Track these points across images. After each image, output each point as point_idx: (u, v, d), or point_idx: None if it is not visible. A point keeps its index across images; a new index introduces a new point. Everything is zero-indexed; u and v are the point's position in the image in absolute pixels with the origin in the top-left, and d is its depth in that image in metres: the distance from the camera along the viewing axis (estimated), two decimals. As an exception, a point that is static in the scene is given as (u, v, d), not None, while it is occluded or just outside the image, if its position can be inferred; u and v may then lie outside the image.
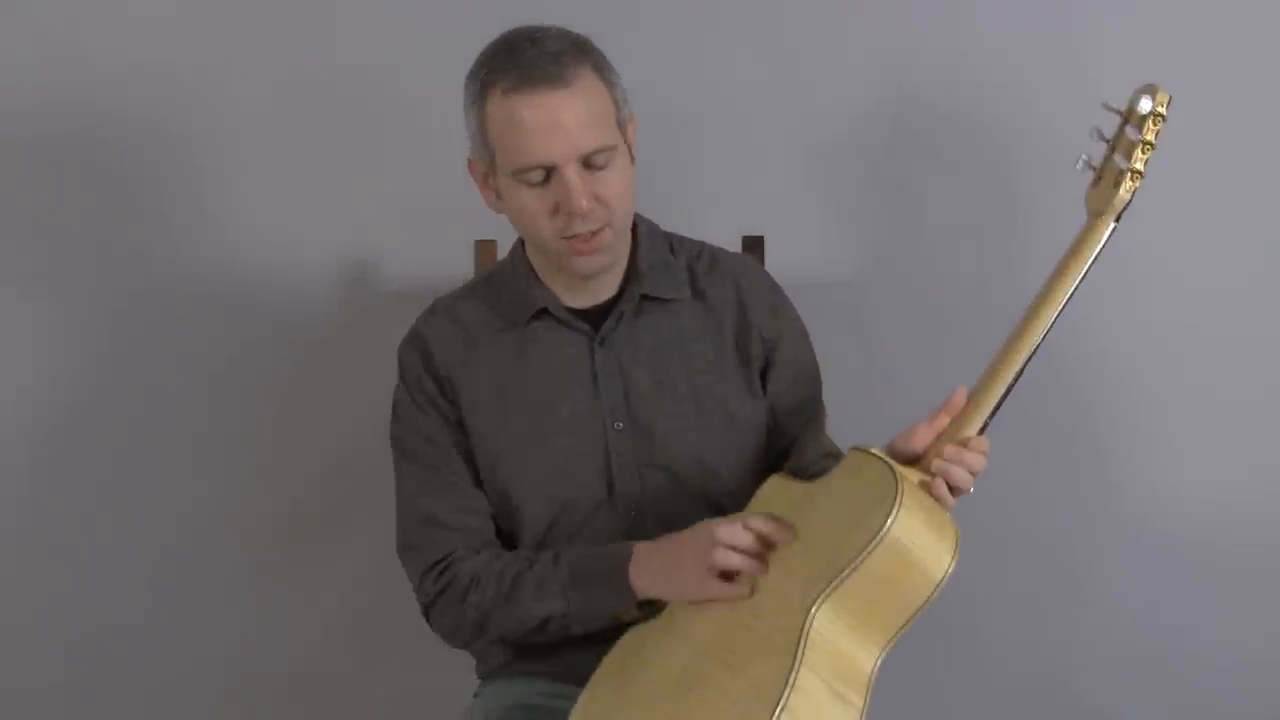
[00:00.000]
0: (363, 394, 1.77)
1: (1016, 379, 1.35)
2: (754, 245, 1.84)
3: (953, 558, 1.27)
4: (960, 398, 1.37)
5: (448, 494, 1.54)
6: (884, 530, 1.23)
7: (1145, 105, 1.35)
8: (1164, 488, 2.08)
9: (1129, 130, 1.37)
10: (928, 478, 1.33)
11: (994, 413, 1.35)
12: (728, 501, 1.53)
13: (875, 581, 1.25)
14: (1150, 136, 1.35)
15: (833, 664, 1.25)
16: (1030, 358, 1.35)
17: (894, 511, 1.23)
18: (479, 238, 1.83)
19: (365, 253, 2.06)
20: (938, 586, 1.27)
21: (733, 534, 1.34)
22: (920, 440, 1.36)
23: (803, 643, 1.23)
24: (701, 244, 1.61)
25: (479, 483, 1.55)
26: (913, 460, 1.35)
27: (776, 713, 1.21)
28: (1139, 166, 1.35)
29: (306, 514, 2.11)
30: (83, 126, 2.01)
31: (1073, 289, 1.36)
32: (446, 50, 1.90)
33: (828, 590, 1.25)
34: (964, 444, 1.34)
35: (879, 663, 1.28)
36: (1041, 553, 2.10)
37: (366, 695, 2.11)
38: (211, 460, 2.09)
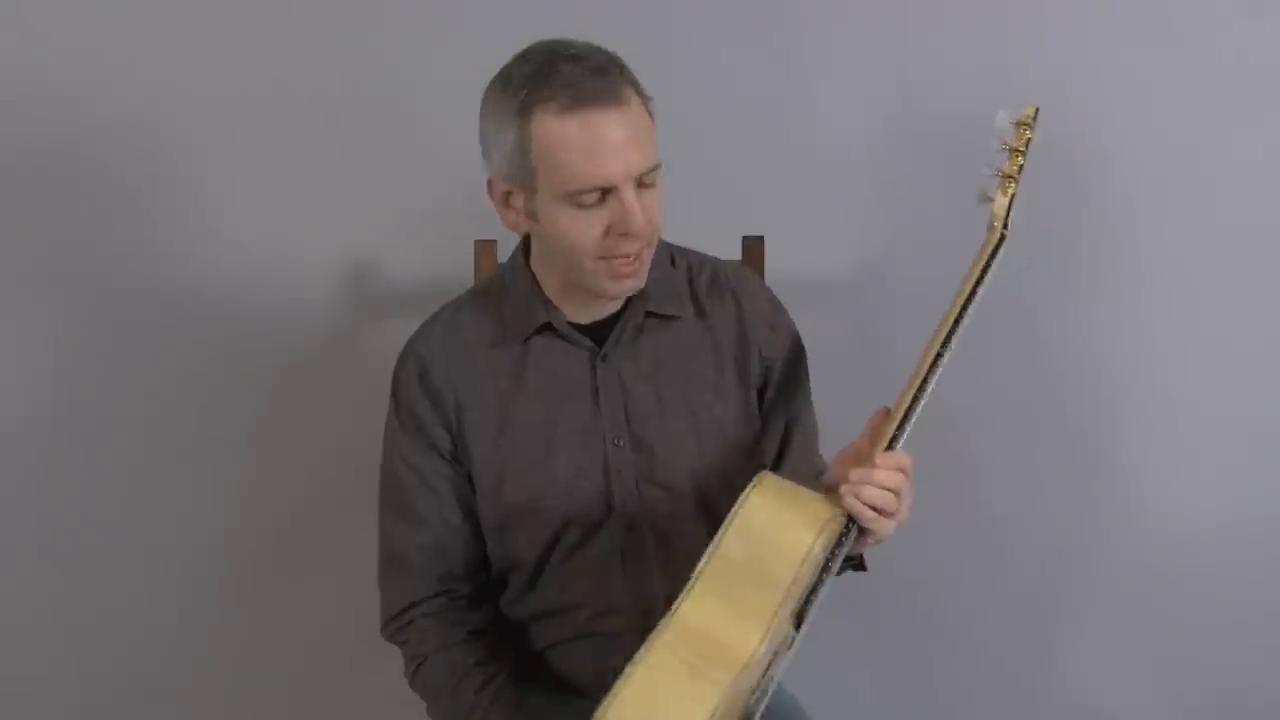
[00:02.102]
0: (363, 394, 1.77)
1: (920, 393, 1.36)
2: (754, 245, 1.84)
3: (816, 536, 1.29)
4: (878, 416, 1.38)
5: (419, 530, 1.53)
6: (734, 511, 1.30)
7: (1003, 119, 1.46)
8: (1164, 489, 2.08)
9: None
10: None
11: (901, 427, 1.35)
12: (723, 519, 1.53)
13: (735, 563, 1.29)
14: (1020, 145, 1.44)
15: (699, 645, 1.27)
16: (931, 371, 1.38)
17: (747, 494, 1.31)
18: (479, 238, 1.83)
19: (365, 253, 2.06)
20: (802, 561, 1.29)
21: None
22: (844, 462, 1.37)
23: (660, 627, 1.27)
24: (702, 256, 1.59)
25: (466, 514, 1.54)
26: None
27: (617, 686, 1.25)
28: (1013, 172, 1.44)
29: (307, 514, 2.11)
30: (86, 127, 2.01)
31: (964, 301, 1.42)
32: (448, 51, 1.91)
33: (693, 580, 1.29)
34: (870, 462, 1.33)
35: (765, 643, 1.28)
36: (1041, 554, 2.11)
37: (366, 696, 2.11)
38: (212, 460, 2.09)
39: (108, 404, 2.07)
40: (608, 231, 1.39)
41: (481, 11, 1.95)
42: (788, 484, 1.35)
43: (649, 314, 1.51)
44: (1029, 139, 1.44)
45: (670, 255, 1.57)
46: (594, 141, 1.35)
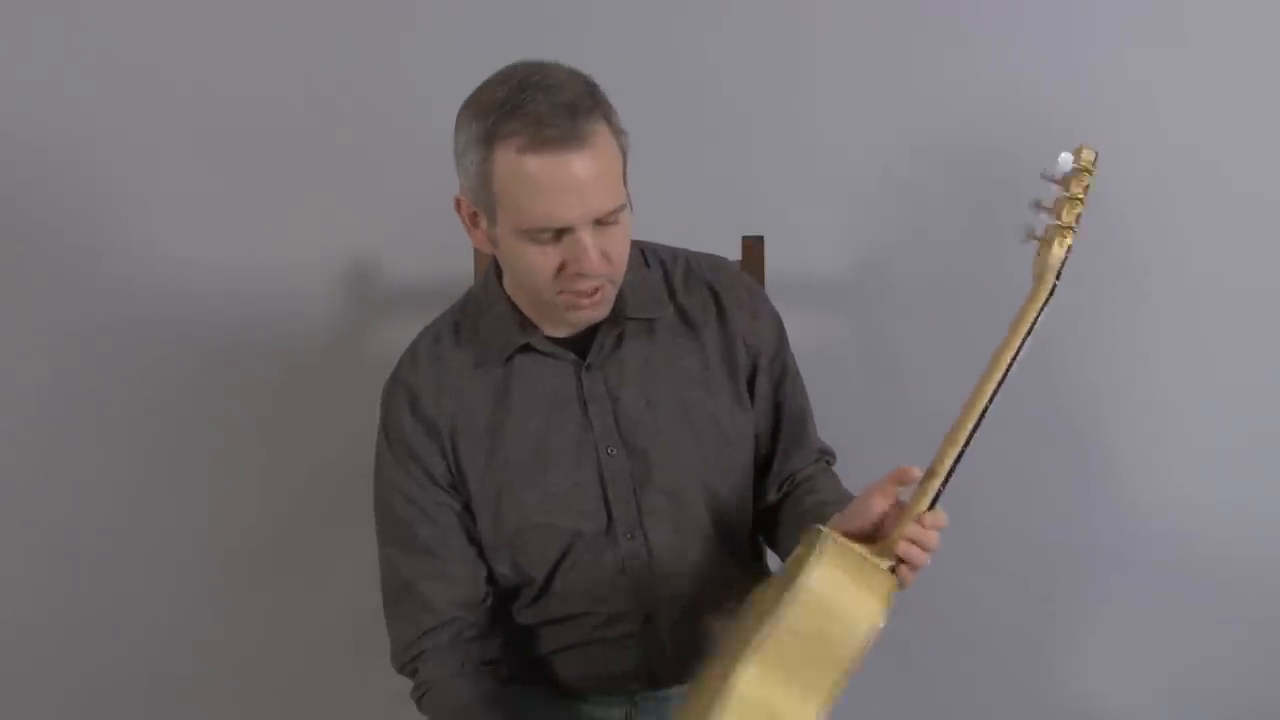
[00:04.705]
0: (363, 393, 1.76)
1: (967, 445, 1.34)
2: (754, 245, 1.84)
3: (883, 610, 1.26)
4: (912, 472, 1.34)
5: (425, 560, 1.52)
6: (800, 582, 1.24)
7: (1066, 163, 1.38)
8: (1164, 487, 2.08)
9: (1058, 190, 1.39)
10: (891, 562, 1.31)
11: (946, 483, 1.33)
12: (725, 516, 1.53)
13: (800, 636, 1.24)
14: (1079, 192, 1.37)
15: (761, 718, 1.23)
16: (979, 425, 1.34)
17: (814, 565, 1.25)
18: (479, 238, 1.83)
19: (365, 253, 2.06)
20: (868, 638, 1.25)
21: None
22: (876, 506, 1.34)
23: (720, 701, 1.22)
24: (673, 251, 1.57)
25: (468, 539, 1.52)
26: (870, 528, 1.34)
27: None
28: (1070, 223, 1.37)
29: (307, 514, 2.12)
30: (87, 127, 2.01)
31: (1014, 354, 1.36)
32: (446, 51, 1.91)
33: (751, 649, 1.24)
34: (921, 522, 1.31)
35: (821, 716, 1.24)
36: (1042, 553, 2.11)
37: (366, 695, 2.11)
38: (213, 460, 2.10)
39: (108, 404, 2.07)
40: (562, 268, 1.37)
41: (482, 12, 1.95)
42: (852, 552, 1.30)
43: (629, 319, 1.50)
44: (1088, 186, 1.39)
45: (643, 255, 1.55)
46: (552, 183, 1.32)
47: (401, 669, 1.55)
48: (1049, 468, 2.08)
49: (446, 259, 1.92)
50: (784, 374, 1.58)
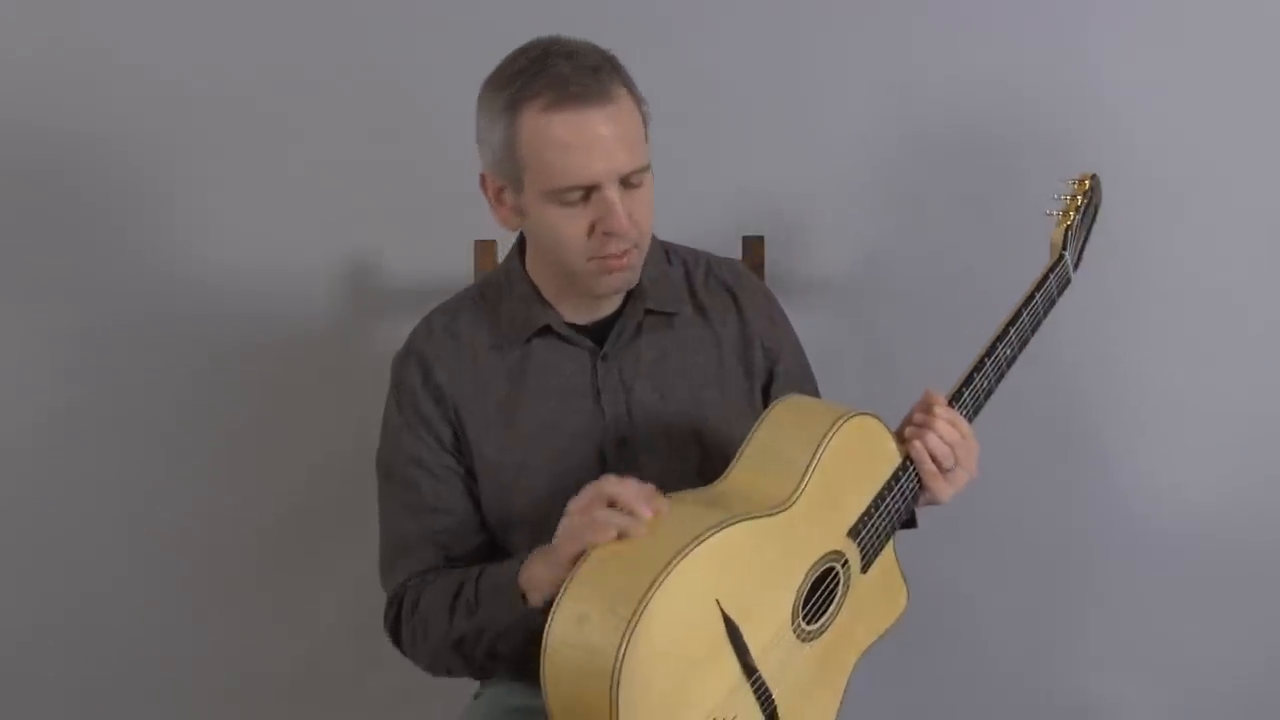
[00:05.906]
0: (363, 392, 1.77)
1: (976, 371, 1.48)
2: (754, 245, 1.84)
3: (828, 433, 1.35)
4: (935, 395, 1.44)
5: (428, 519, 1.51)
6: (764, 413, 1.40)
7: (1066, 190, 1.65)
8: (1164, 488, 2.08)
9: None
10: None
11: (960, 393, 1.46)
12: None
13: (764, 449, 1.38)
14: (1079, 192, 1.64)
15: (723, 499, 1.35)
16: (987, 356, 1.49)
17: (777, 403, 1.41)
18: (479, 238, 1.83)
19: (365, 253, 2.06)
20: (821, 445, 1.34)
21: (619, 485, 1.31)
22: (905, 424, 1.45)
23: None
24: (695, 252, 1.59)
25: (473, 505, 1.52)
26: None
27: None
28: (1068, 209, 1.62)
29: (307, 513, 2.11)
30: (86, 126, 2.01)
31: (1021, 304, 1.54)
32: (448, 50, 1.91)
33: (732, 463, 1.39)
34: (929, 411, 1.41)
35: (796, 502, 1.33)
36: (1041, 553, 2.10)
37: (366, 695, 2.11)
38: (212, 459, 2.09)
39: (106, 403, 2.07)
40: (592, 230, 1.39)
41: (481, 11, 1.95)
42: (814, 399, 1.48)
43: (648, 311, 1.51)
44: (1086, 189, 1.64)
45: (665, 252, 1.57)
46: (577, 139, 1.35)
47: (386, 623, 1.52)
48: (1050, 467, 2.08)
49: (446, 259, 1.92)
50: (805, 378, 1.60)
